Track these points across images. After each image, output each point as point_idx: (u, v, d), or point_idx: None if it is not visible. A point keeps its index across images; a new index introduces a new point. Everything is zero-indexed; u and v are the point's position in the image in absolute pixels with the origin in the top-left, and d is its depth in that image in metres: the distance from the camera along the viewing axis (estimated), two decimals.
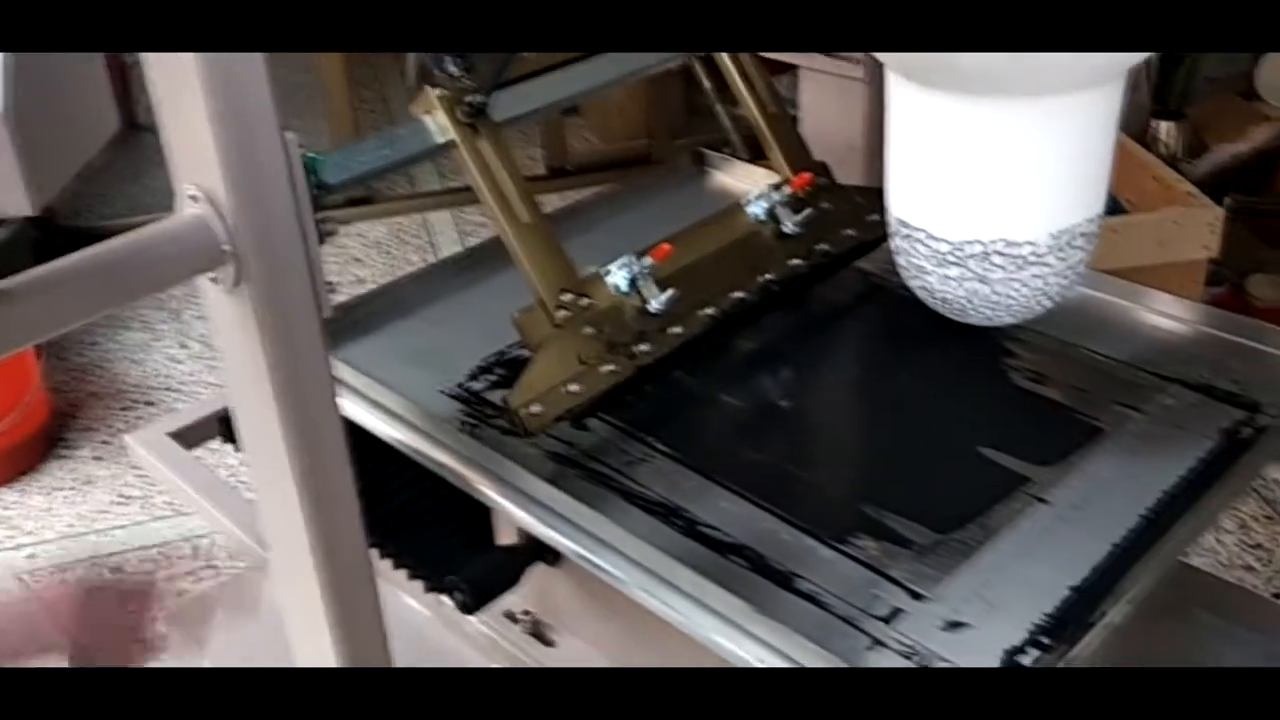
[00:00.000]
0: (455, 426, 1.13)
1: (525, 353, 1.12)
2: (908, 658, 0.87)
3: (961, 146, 0.90)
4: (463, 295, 1.36)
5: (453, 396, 1.19)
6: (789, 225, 1.25)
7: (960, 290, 0.95)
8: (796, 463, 1.10)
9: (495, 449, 1.08)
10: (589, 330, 1.12)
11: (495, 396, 1.17)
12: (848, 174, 1.37)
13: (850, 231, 1.29)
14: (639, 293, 1.15)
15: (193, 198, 0.80)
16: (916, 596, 0.93)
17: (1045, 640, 0.87)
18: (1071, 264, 0.95)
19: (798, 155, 1.30)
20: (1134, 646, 1.14)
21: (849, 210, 1.30)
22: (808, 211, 1.25)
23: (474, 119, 1.11)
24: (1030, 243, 0.92)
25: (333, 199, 1.30)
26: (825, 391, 1.21)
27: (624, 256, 1.15)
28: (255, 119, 0.78)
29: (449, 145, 1.11)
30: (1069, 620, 0.89)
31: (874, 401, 1.21)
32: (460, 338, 1.27)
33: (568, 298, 1.12)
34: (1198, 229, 2.21)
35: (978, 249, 0.93)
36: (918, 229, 0.95)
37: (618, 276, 1.15)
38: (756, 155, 1.38)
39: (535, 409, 1.07)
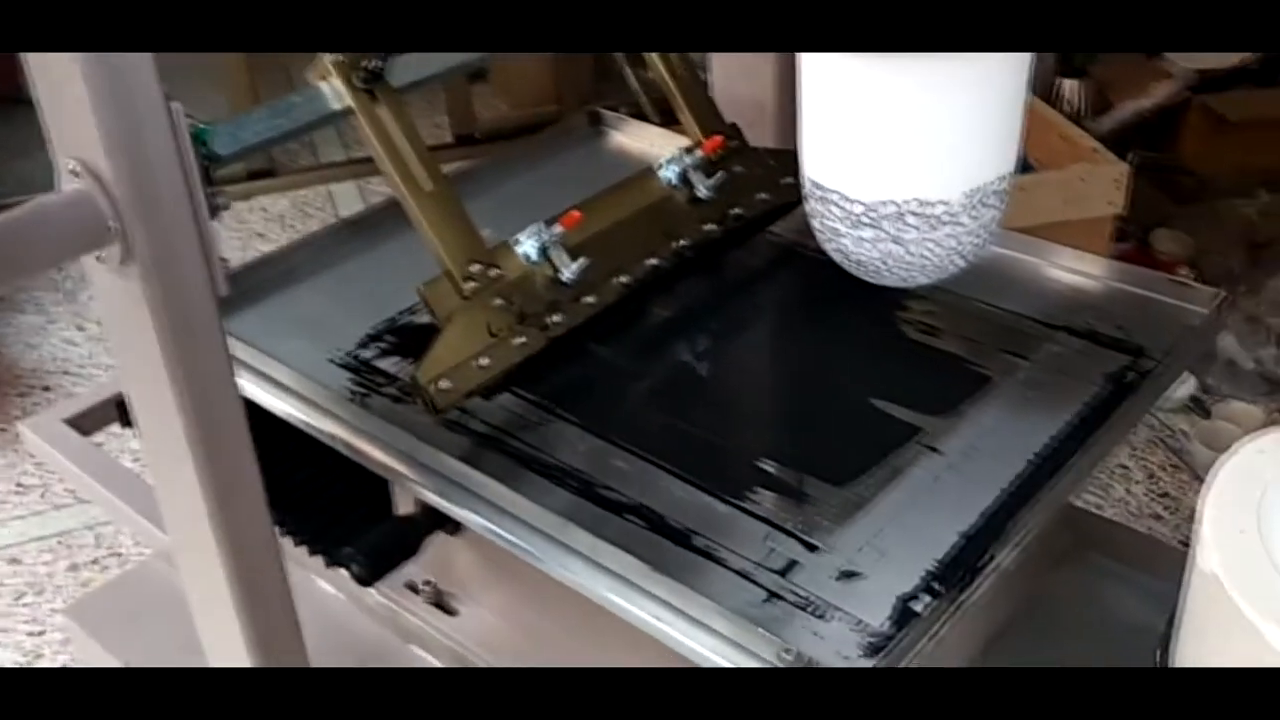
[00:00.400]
0: (345, 396, 1.11)
1: (417, 319, 1.10)
2: (803, 609, 0.88)
3: (874, 108, 0.88)
4: (351, 262, 1.34)
5: (342, 366, 1.16)
6: (702, 189, 1.23)
7: (875, 252, 0.94)
8: (694, 422, 1.09)
9: (386, 418, 1.06)
10: (499, 302, 1.09)
11: (386, 364, 1.16)
12: (759, 136, 1.35)
13: (764, 195, 1.27)
14: (550, 262, 1.13)
15: (73, 172, 0.76)
16: (811, 548, 0.94)
17: (936, 586, 0.89)
18: (984, 222, 0.94)
19: (709, 118, 1.28)
20: (1031, 590, 1.17)
21: (762, 173, 1.28)
22: (720, 175, 1.23)
23: (372, 85, 1.07)
24: (943, 202, 0.91)
25: (231, 172, 1.25)
26: (723, 351, 1.20)
27: (534, 224, 1.12)
28: (137, 87, 0.74)
29: (346, 113, 1.07)
30: (959, 565, 0.90)
31: (771, 360, 1.21)
32: (349, 305, 1.25)
33: (476, 268, 1.09)
34: (1104, 186, 2.24)
35: (892, 209, 0.91)
36: (832, 191, 0.94)
37: (527, 245, 1.12)
38: (669, 120, 1.36)
39: (444, 384, 1.04)
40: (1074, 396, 1.08)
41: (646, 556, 0.88)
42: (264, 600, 0.95)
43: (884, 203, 0.92)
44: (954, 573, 0.90)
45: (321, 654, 1.03)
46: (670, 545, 0.94)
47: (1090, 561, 1.23)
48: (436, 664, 1.20)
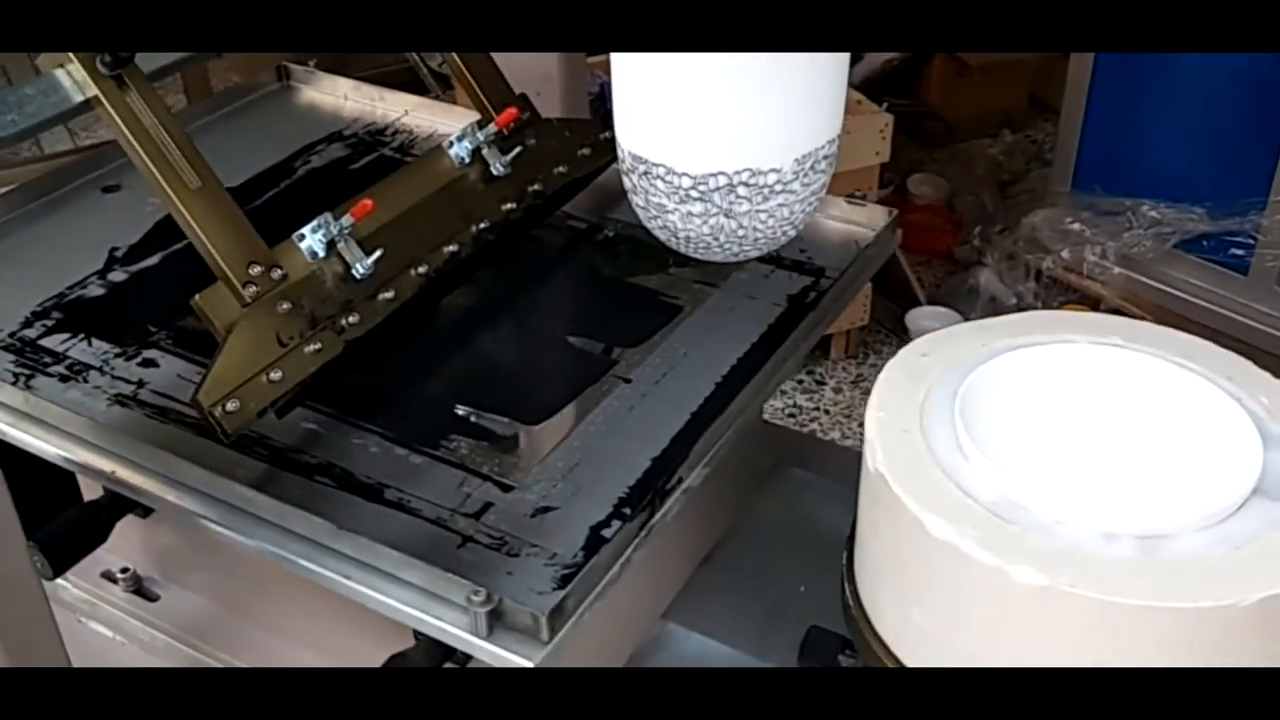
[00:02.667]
0: (8, 380, 1.03)
1: (89, 292, 1.06)
2: (497, 549, 0.88)
3: (701, 75, 0.82)
4: (12, 237, 1.24)
5: (4, 348, 1.08)
6: (497, 166, 1.13)
7: (705, 227, 0.88)
8: (387, 377, 1.06)
9: (54, 400, 0.99)
10: (286, 306, 0.97)
11: (53, 343, 1.09)
12: (546, 107, 1.27)
13: (562, 168, 1.19)
14: (340, 257, 1.01)
15: None
16: (506, 489, 0.94)
17: (626, 511, 0.90)
18: (814, 190, 0.90)
19: (497, 89, 1.18)
20: (738, 509, 1.21)
21: (558, 145, 1.20)
22: (517, 150, 1.14)
23: (119, 69, 0.92)
24: (775, 170, 0.85)
25: None
26: (417, 303, 1.11)
27: (319, 216, 1.01)
28: None
29: (90, 103, 0.92)
30: (648, 489, 0.91)
31: (468, 308, 1.17)
32: (11, 283, 1.17)
33: (256, 270, 0.97)
34: (870, 136, 2.26)
35: (722, 181, 0.85)
36: (657, 164, 0.87)
37: (313, 240, 1.01)
38: (448, 89, 1.25)
39: (231, 406, 0.92)
40: (759, 319, 1.12)
41: (333, 515, 0.87)
42: None
43: (713, 174, 0.86)
44: (643, 497, 0.91)
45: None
46: (361, 501, 0.92)
47: (792, 477, 1.28)
48: (142, 654, 1.17)
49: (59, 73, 0.91)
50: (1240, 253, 2.23)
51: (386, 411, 1.02)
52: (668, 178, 0.87)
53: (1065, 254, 2.38)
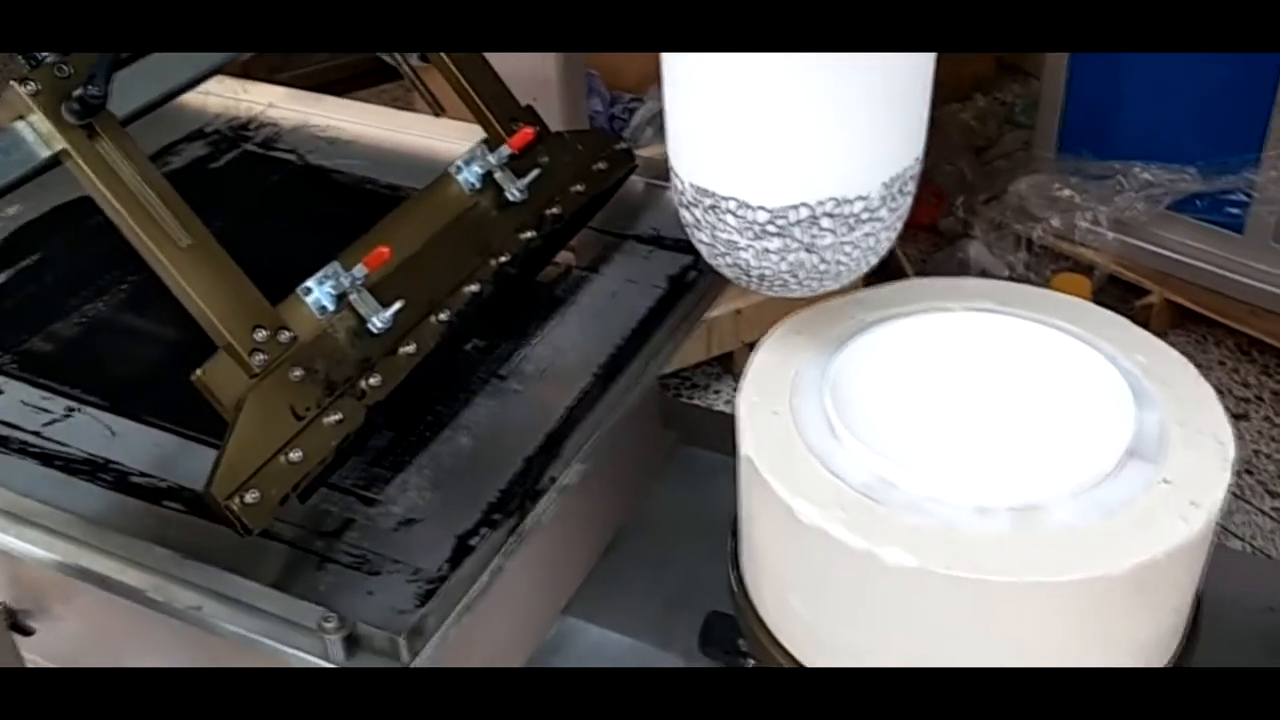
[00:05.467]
0: None
1: None
2: (357, 569, 0.83)
3: (778, 98, 0.71)
4: None
5: None
6: (513, 191, 1.02)
7: (783, 264, 0.77)
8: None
9: None
10: (299, 373, 0.85)
11: None
12: (546, 116, 1.15)
13: (579, 187, 1.07)
14: (353, 310, 0.90)
15: None
16: (369, 502, 0.89)
17: (496, 517, 0.86)
18: (900, 213, 0.79)
19: (502, 101, 1.06)
20: (639, 493, 1.18)
21: (571, 162, 1.08)
22: (535, 172, 1.02)
23: (89, 117, 0.79)
24: (862, 197, 0.75)
25: None
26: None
27: (327, 266, 0.89)
28: None
29: (59, 158, 0.79)
30: (517, 493, 0.88)
31: None
32: None
33: (262, 335, 0.85)
34: None
35: (804, 214, 0.75)
36: (727, 198, 0.76)
37: (320, 294, 0.89)
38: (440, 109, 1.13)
39: (251, 497, 0.80)
40: (640, 303, 1.06)
41: (183, 545, 0.83)
42: None
43: (794, 207, 0.75)
44: (511, 501, 0.87)
45: None
46: (218, 528, 0.83)
47: (697, 457, 1.23)
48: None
49: (19, 125, 0.78)
50: (1235, 211, 2.17)
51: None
52: (740, 212, 0.76)
53: (1055, 221, 2.30)
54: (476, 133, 1.07)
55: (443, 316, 0.94)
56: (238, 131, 1.34)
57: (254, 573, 0.81)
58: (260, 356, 0.84)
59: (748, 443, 0.78)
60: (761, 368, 0.84)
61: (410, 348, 0.91)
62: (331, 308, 0.89)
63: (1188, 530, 0.71)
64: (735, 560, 0.87)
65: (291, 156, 1.30)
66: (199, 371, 0.82)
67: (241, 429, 0.82)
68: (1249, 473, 2.04)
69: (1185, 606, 0.79)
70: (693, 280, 1.09)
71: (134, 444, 0.94)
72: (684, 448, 1.25)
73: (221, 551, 0.82)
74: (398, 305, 0.90)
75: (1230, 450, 0.76)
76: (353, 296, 0.89)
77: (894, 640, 0.75)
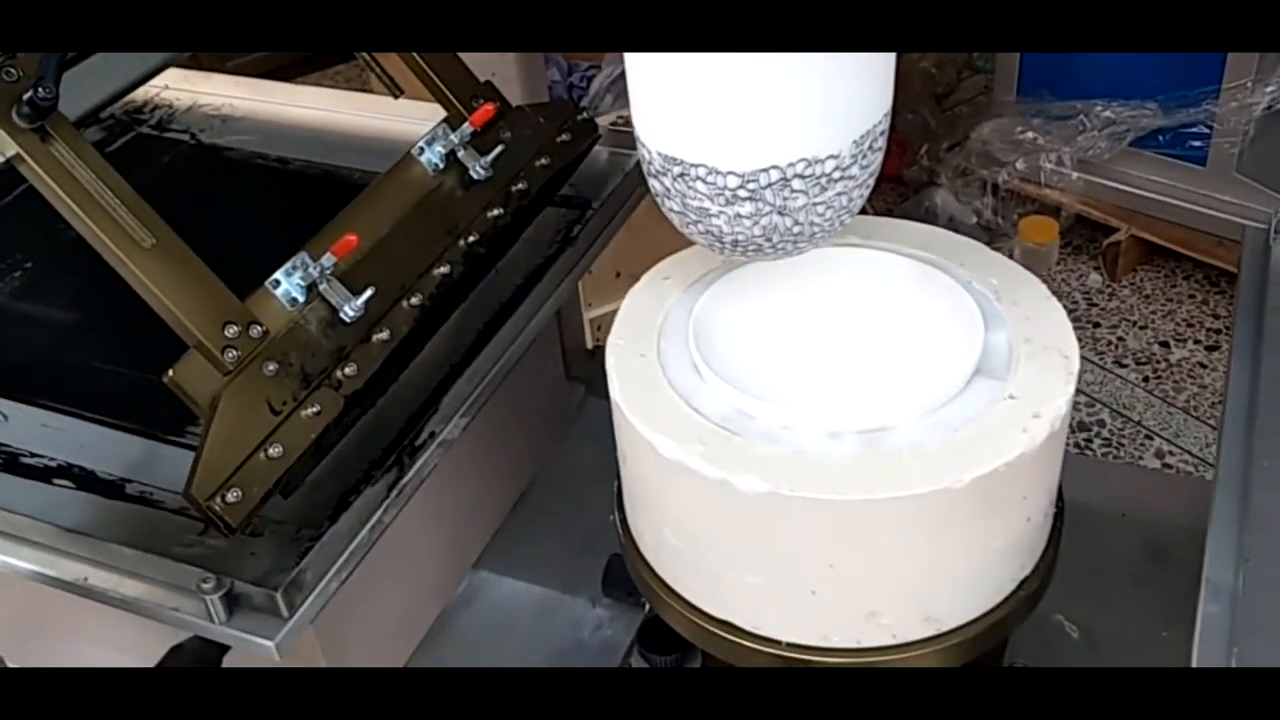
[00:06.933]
0: None
1: None
2: (242, 530, 0.83)
3: (745, 61, 0.70)
4: None
5: None
6: (476, 169, 1.01)
7: (756, 229, 0.77)
8: (126, 367, 1.01)
9: None
10: (273, 367, 0.84)
11: None
12: (504, 89, 1.13)
13: (544, 160, 1.06)
14: (323, 300, 0.89)
15: None
16: None
17: (374, 474, 0.88)
18: (871, 171, 0.78)
19: (461, 79, 1.05)
20: (542, 447, 1.21)
21: (534, 135, 1.07)
22: (498, 149, 1.01)
23: (40, 120, 0.77)
24: (833, 156, 0.74)
25: None
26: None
27: (294, 257, 0.88)
28: None
29: (11, 163, 0.77)
30: (398, 448, 0.90)
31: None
32: None
33: (233, 331, 0.84)
34: None
35: (774, 176, 0.74)
36: (695, 165, 0.75)
37: (289, 285, 0.88)
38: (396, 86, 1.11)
39: (232, 496, 0.79)
40: (528, 261, 1.08)
41: (64, 520, 0.86)
42: None
43: (764, 170, 0.74)
44: (390, 457, 0.89)
45: None
46: (102, 500, 0.89)
47: (605, 407, 1.23)
48: None
49: None
50: (1198, 144, 2.17)
51: (125, 402, 0.97)
52: (710, 178, 0.75)
53: (1020, 164, 2.30)
54: (437, 112, 1.05)
55: (414, 300, 0.93)
56: (132, 115, 1.28)
57: (139, 543, 0.84)
58: (233, 353, 0.83)
59: (614, 386, 0.80)
60: (630, 313, 0.86)
61: (384, 334, 0.90)
62: (302, 299, 0.88)
63: (1029, 440, 0.73)
64: (620, 502, 0.90)
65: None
66: (170, 372, 0.80)
67: (217, 428, 0.81)
68: (1221, 403, 2.05)
69: (1040, 515, 0.80)
70: (575, 235, 1.11)
71: (19, 422, 0.95)
72: (595, 399, 1.27)
73: (109, 525, 0.86)
74: (369, 293, 0.89)
75: (1075, 364, 0.78)
76: (323, 286, 0.88)
77: (755, 565, 0.77)
